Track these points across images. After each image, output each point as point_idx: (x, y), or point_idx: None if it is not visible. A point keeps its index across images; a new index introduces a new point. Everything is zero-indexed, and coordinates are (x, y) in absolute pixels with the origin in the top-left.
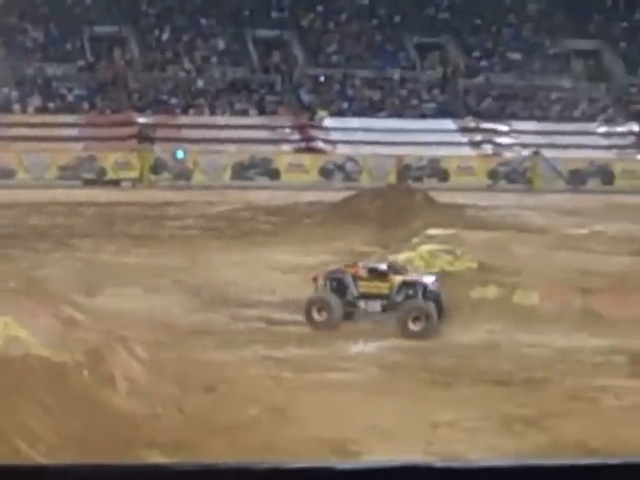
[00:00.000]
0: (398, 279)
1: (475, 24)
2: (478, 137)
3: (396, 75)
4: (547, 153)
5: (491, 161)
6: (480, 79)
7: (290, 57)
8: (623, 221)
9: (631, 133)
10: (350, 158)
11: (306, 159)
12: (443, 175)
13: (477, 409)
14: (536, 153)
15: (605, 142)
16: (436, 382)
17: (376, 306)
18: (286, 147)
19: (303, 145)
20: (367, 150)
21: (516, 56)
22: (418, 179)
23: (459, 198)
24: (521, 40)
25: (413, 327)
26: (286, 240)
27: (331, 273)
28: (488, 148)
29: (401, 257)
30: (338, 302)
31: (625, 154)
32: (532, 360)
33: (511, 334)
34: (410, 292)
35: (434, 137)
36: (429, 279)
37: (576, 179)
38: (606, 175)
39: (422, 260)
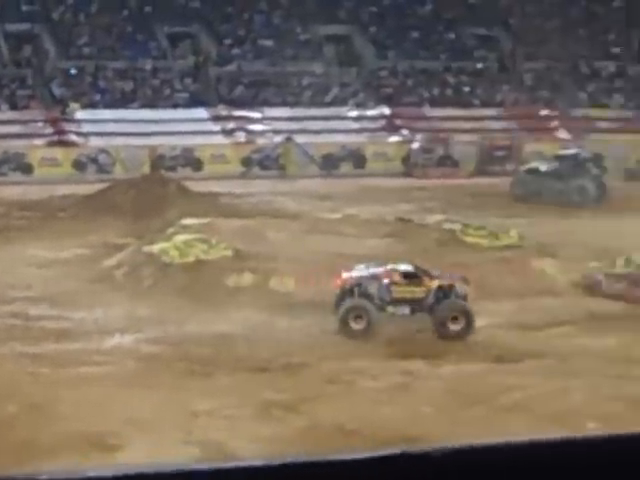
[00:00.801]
0: (435, 283)
1: (226, 12)
2: (231, 125)
3: (148, 65)
4: (300, 139)
5: (244, 149)
6: (232, 67)
7: (41, 50)
8: (375, 204)
9: (381, 116)
10: (103, 150)
11: (59, 152)
12: (197, 164)
13: (236, 397)
14: (288, 139)
15: (356, 126)
16: (194, 372)
17: (405, 310)
18: (39, 141)
19: (56, 138)
20: (120, 141)
21: (268, 43)
22: (172, 169)
23: (213, 186)
24: (272, 27)
25: (454, 327)
26: (41, 235)
27: (359, 278)
28: (241, 136)
29: (156, 248)
30: (373, 308)
31: (376, 137)
32: (289, 345)
33: (268, 320)
34: (441, 294)
35: (187, 126)
36: (458, 280)
37: (329, 164)
38: (358, 159)
39: (177, 250)
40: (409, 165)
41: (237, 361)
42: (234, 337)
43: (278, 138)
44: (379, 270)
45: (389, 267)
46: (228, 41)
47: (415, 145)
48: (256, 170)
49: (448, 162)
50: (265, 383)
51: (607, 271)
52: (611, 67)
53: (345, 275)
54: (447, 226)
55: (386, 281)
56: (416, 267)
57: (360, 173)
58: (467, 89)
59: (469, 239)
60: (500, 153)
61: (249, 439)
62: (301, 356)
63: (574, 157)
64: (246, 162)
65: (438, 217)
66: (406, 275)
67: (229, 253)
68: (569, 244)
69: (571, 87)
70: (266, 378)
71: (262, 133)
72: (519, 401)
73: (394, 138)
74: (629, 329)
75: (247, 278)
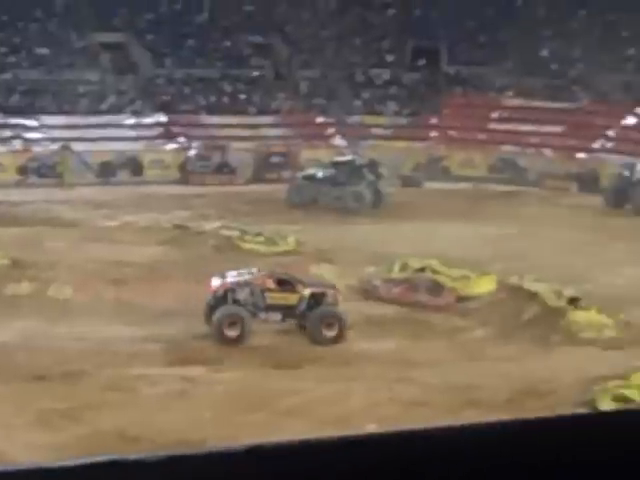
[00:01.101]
0: (307, 291)
1: (1, 20)
2: (7, 133)
3: None
4: (77, 147)
5: (20, 157)
6: (7, 75)
7: None
8: (153, 211)
9: (158, 124)
10: None
11: None
12: None
13: (14, 405)
14: (65, 147)
15: (133, 134)
16: None
17: (277, 316)
18: None
19: None
20: None
21: (43, 51)
22: None
23: None
24: (47, 35)
25: (328, 333)
26: None
27: (232, 285)
28: (17, 144)
29: None
30: (247, 314)
31: (153, 145)
32: (68, 353)
33: (46, 328)
34: (313, 301)
35: None
36: (329, 288)
37: (106, 171)
38: (135, 166)
39: None
40: (186, 172)
41: (15, 370)
42: (12, 346)
43: (54, 146)
44: (252, 277)
45: (262, 273)
46: (3, 49)
47: (192, 152)
48: (33, 178)
49: (225, 169)
50: (43, 392)
51: (384, 276)
52: (385, 75)
53: (217, 282)
54: (224, 233)
55: (260, 288)
56: (289, 275)
57: (137, 181)
58: (243, 97)
59: (246, 245)
60: (277, 160)
61: (27, 448)
62: (80, 364)
63: (350, 164)
64: (22, 170)
65: (215, 224)
66: (280, 282)
67: (6, 262)
68: (346, 249)
69: (346, 94)
70: (44, 387)
71: (38, 141)
72: (299, 405)
73: (171, 146)
74: (406, 333)
75: (25, 287)
